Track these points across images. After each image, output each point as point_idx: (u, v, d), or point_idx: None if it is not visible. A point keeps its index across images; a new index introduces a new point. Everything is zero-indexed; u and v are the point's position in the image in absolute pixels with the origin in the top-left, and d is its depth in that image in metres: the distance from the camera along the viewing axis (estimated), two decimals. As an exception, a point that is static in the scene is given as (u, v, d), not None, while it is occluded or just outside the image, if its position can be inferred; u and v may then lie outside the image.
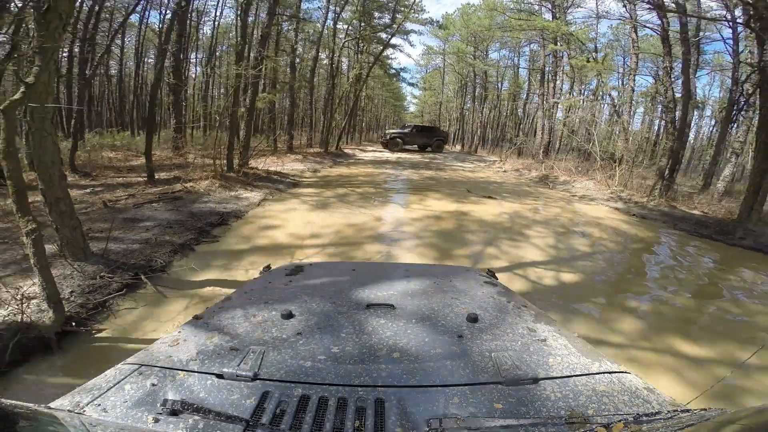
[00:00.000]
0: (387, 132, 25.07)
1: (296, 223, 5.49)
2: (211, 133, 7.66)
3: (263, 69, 7.85)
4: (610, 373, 0.91)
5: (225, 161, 7.88)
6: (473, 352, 0.95)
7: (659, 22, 10.97)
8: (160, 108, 15.81)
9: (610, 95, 13.14)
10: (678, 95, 9.62)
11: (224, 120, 7.91)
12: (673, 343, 3.04)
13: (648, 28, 11.30)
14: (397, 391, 0.81)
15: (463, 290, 1.41)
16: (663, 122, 14.47)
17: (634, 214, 8.59)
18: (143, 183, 7.41)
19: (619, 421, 0.69)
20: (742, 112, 9.81)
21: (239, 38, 7.91)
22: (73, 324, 2.74)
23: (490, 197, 8.76)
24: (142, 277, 3.44)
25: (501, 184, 11.57)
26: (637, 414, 0.73)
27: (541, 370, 0.88)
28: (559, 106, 17.53)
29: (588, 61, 13.48)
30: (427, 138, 24.14)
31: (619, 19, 15.64)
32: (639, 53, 15.35)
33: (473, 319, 1.11)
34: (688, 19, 10.41)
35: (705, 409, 0.72)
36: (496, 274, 1.84)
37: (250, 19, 16.99)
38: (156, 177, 7.85)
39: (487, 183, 11.59)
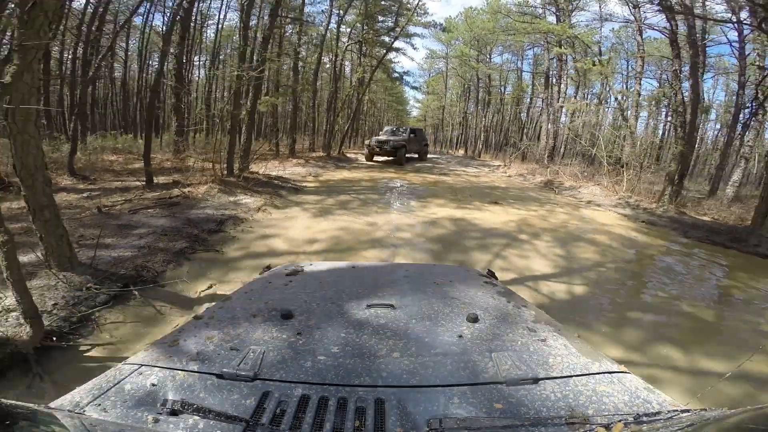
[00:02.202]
0: (382, 139, 16.58)
1: (296, 231, 5.30)
2: (212, 137, 7.47)
3: (265, 71, 7.71)
4: (610, 373, 0.90)
5: (225, 165, 7.72)
6: (473, 352, 0.95)
7: (665, 24, 10.83)
8: (163, 111, 15.74)
9: (616, 99, 12.90)
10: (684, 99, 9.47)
11: (225, 123, 7.75)
12: (695, 358, 2.83)
13: (656, 30, 11.11)
14: (397, 391, 0.80)
15: (463, 290, 1.41)
16: (669, 126, 14.27)
17: (643, 221, 8.37)
18: (141, 187, 7.26)
19: (619, 421, 0.69)
20: (755, 116, 9.56)
21: (240, 40, 7.78)
22: (54, 339, 2.57)
23: (495, 203, 8.56)
24: (132, 288, 3.26)
25: (506, 190, 11.36)
26: (637, 414, 0.73)
27: (541, 370, 0.88)
28: (563, 110, 17.33)
29: (594, 64, 13.29)
30: (418, 144, 19.42)
31: (625, 22, 15.50)
32: (644, 57, 15.17)
33: (473, 319, 1.11)
34: (695, 21, 10.22)
35: (705, 409, 0.71)
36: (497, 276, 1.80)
37: (254, 22, 16.97)
38: (155, 181, 7.71)
39: (491, 188, 11.40)
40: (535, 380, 0.84)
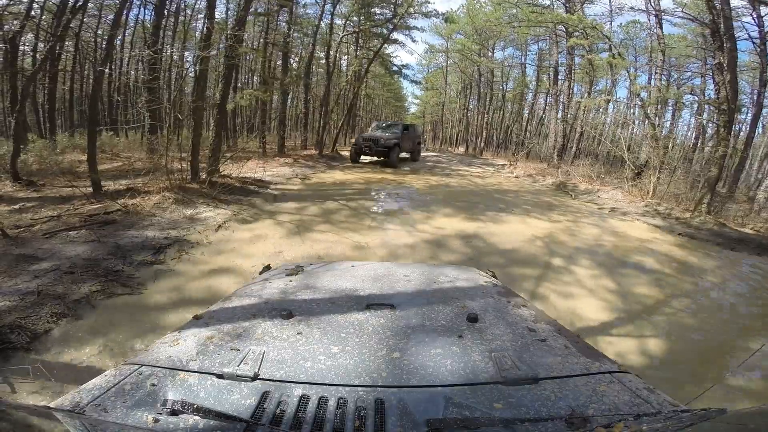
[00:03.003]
0: (370, 136, 13.89)
1: (260, 259, 4.03)
2: (168, 135, 6.15)
3: (238, 57, 6.43)
4: (610, 373, 0.90)
5: (189, 168, 6.41)
6: (473, 352, 0.94)
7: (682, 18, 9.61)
8: (160, 108, 14.55)
9: (638, 95, 11.60)
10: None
11: (186, 117, 6.45)
12: None
13: (693, 20, 9.84)
14: (397, 391, 0.80)
15: (463, 290, 1.41)
16: (695, 125, 13.04)
17: (680, 234, 7.20)
18: (86, 196, 5.98)
19: (619, 421, 0.69)
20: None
21: (205, 19, 6.47)
22: None
23: (512, 212, 7.31)
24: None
25: (517, 193, 10.11)
26: (637, 414, 0.72)
27: (541, 370, 0.87)
28: (578, 105, 16.03)
29: (614, 57, 12.00)
30: (411, 142, 16.35)
31: (641, 12, 14.23)
32: (665, 50, 13.92)
33: (473, 319, 1.10)
34: (730, 12, 8.98)
35: (705, 409, 0.70)
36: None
37: (250, 17, 15.67)
38: (107, 188, 6.44)
39: (501, 192, 10.13)
40: (535, 380, 0.83)
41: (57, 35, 7.60)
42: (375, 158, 14.19)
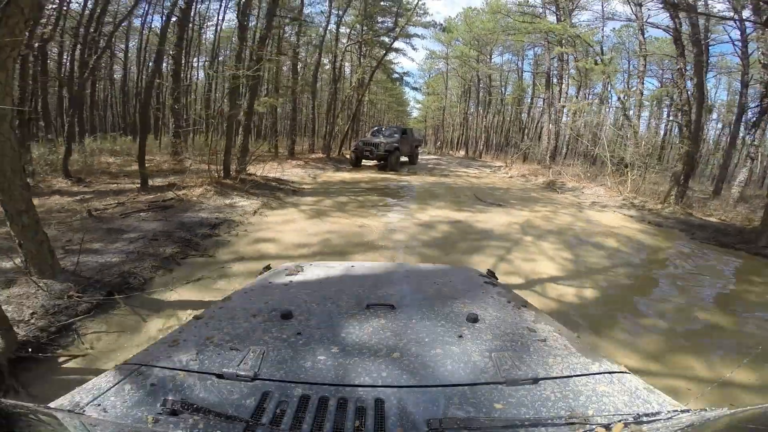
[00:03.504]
0: (371, 141, 14.32)
1: (292, 235, 5.12)
2: (209, 138, 7.31)
3: (261, 70, 7.55)
4: (610, 373, 0.90)
5: (222, 167, 7.56)
6: (473, 352, 0.94)
7: (669, 23, 10.65)
8: (162, 113, 15.63)
9: (619, 98, 12.69)
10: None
11: (219, 123, 7.58)
12: (713, 364, 2.65)
13: (659, 28, 10.93)
14: (397, 391, 0.80)
15: (463, 290, 1.41)
16: (674, 125, 14.06)
17: (649, 222, 8.19)
18: (136, 190, 7.11)
19: (619, 421, 0.69)
20: (765, 114, 9.35)
21: (237, 39, 7.61)
22: (30, 350, 2.42)
23: (498, 205, 8.37)
24: (116, 296, 3.10)
25: (507, 190, 11.18)
26: (637, 414, 0.73)
27: (541, 370, 0.88)
28: (565, 110, 17.14)
29: (596, 63, 13.10)
30: (409, 145, 16.58)
31: (627, 21, 15.34)
32: (647, 55, 14.98)
33: (473, 319, 1.10)
34: (698, 19, 10.04)
35: (705, 409, 0.71)
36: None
37: (252, 22, 16.88)
38: (151, 184, 7.56)
39: (493, 189, 11.21)
40: (535, 380, 0.83)
41: (104, 47, 8.68)
42: (374, 162, 14.64)
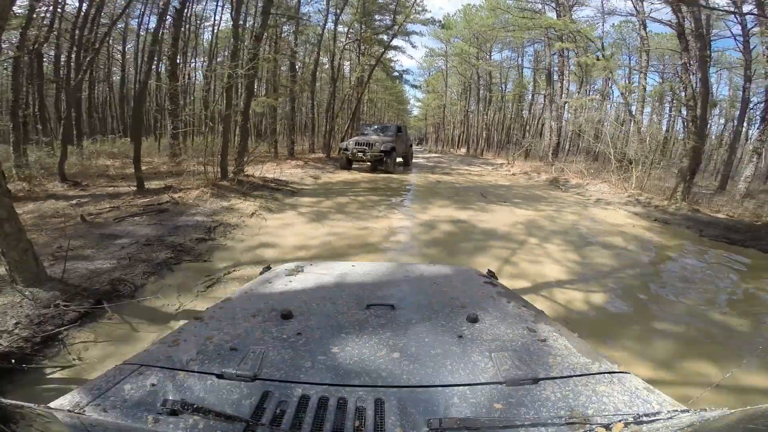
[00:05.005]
0: (364, 140, 12.78)
1: (291, 239, 4.97)
2: (205, 139, 7.15)
3: (258, 69, 7.40)
4: (610, 373, 0.90)
5: (219, 169, 7.41)
6: (473, 352, 0.94)
7: (670, 18, 10.46)
8: (162, 114, 15.49)
9: (621, 94, 12.49)
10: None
11: (218, 125, 7.44)
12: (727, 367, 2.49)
13: (663, 23, 10.73)
14: (397, 391, 0.80)
15: (463, 290, 1.41)
16: (676, 121, 13.87)
17: (656, 219, 8.02)
18: (132, 193, 6.97)
19: (619, 421, 0.69)
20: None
21: (232, 38, 7.47)
22: (13, 361, 2.30)
23: (502, 203, 8.21)
24: (105, 304, 2.96)
25: (510, 188, 11.01)
26: (637, 414, 0.72)
27: (541, 370, 0.88)
28: (566, 106, 16.94)
29: (597, 59, 12.91)
30: (404, 145, 15.04)
31: (628, 15, 15.12)
32: (649, 50, 14.78)
33: (473, 319, 1.10)
34: (701, 13, 9.83)
35: (705, 409, 0.70)
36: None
37: (250, 22, 16.72)
38: (147, 186, 7.42)
39: (496, 187, 11.05)
40: (535, 380, 0.83)
41: (96, 48, 8.56)
42: (368, 164, 13.02)
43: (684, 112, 9.44)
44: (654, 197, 9.70)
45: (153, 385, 0.80)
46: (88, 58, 8.74)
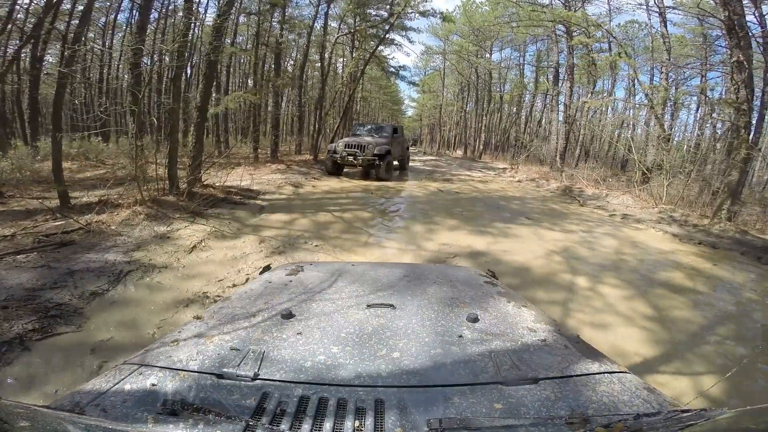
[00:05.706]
0: (356, 143, 11.28)
1: (234, 280, 3.44)
2: (137, 142, 5.55)
3: (218, 53, 5.88)
4: (610, 373, 0.89)
5: (167, 179, 5.83)
6: (473, 352, 0.93)
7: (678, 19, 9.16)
8: (138, 108, 13.92)
9: (646, 95, 11.12)
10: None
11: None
12: None
13: (711, 16, 9.37)
14: (397, 391, 0.79)
15: (463, 290, 1.40)
16: (707, 126, 12.57)
17: (700, 243, 6.70)
18: (52, 211, 5.38)
19: (619, 421, 0.68)
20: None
21: (184, 12, 5.90)
22: None
23: (522, 223, 6.75)
24: None
25: (523, 200, 9.57)
26: (637, 414, 0.71)
27: (541, 370, 0.86)
28: (573, 107, 15.55)
29: (620, 56, 11.53)
30: (400, 147, 13.51)
31: (648, 10, 13.80)
32: (670, 49, 13.48)
33: (473, 319, 1.09)
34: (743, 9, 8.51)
35: (705, 409, 0.69)
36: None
37: (242, 18, 15.12)
38: (77, 201, 5.84)
39: (507, 199, 9.59)
40: (535, 380, 0.82)
41: (39, 36, 6.98)
42: (359, 169, 11.59)
43: (720, 115, 8.04)
44: (690, 214, 8.36)
45: (153, 385, 0.79)
46: (20, 45, 7.12)
